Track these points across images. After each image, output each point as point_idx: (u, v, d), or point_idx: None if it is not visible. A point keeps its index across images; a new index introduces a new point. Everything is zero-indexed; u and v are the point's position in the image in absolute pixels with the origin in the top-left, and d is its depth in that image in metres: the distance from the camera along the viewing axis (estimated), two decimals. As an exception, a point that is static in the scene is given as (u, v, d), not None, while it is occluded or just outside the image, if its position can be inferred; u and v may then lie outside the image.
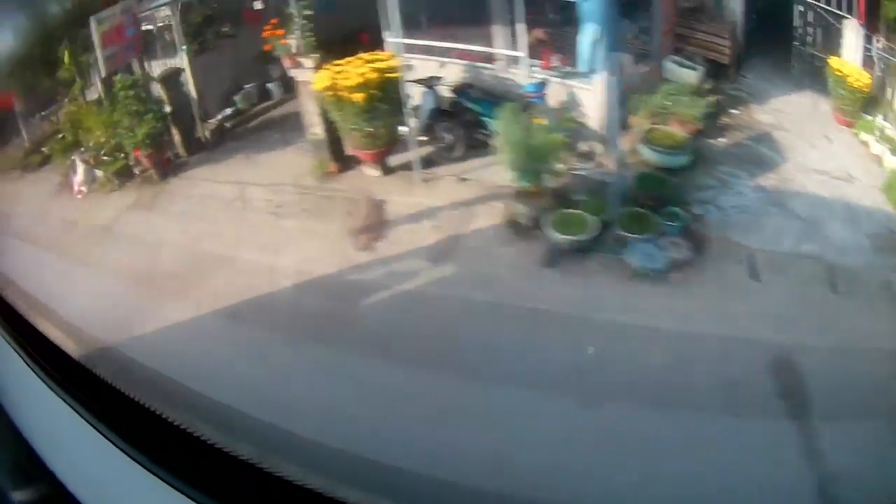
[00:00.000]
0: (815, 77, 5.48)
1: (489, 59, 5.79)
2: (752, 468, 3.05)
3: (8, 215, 6.79)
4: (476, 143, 5.50)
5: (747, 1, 5.86)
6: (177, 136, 7.13)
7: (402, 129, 5.57)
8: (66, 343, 3.58)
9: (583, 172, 5.17)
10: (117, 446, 1.97)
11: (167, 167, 7.00)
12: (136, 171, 7.09)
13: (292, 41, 5.78)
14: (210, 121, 7.36)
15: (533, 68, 5.52)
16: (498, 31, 5.71)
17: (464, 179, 5.37)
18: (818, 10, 5.55)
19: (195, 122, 7.27)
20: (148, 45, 7.42)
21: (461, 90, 5.72)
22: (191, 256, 5.44)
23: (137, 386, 2.22)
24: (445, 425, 3.50)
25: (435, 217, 5.13)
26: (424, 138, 5.67)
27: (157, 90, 7.19)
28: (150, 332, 4.40)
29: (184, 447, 1.97)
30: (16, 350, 2.49)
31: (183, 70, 7.27)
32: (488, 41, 5.78)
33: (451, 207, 5.16)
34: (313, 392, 3.79)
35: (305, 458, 2.72)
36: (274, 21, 5.95)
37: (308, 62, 5.73)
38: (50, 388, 2.28)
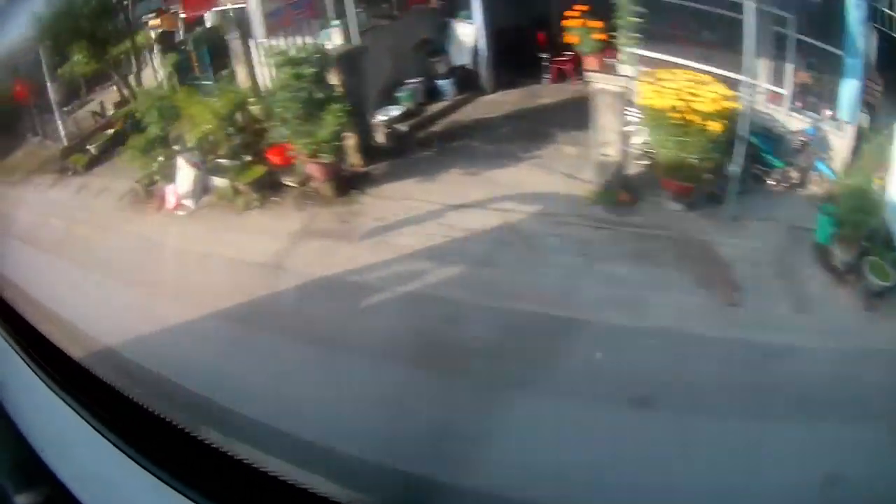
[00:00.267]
0: None
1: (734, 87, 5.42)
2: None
3: (55, 238, 5.05)
4: (756, 179, 5.24)
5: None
6: (350, 139, 5.52)
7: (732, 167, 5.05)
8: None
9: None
10: (119, 448, 1.99)
11: (346, 180, 5.38)
12: (289, 181, 5.41)
13: (618, 38, 4.57)
14: (373, 121, 5.90)
15: (792, 109, 5.42)
16: (761, 64, 5.41)
17: (765, 220, 4.99)
18: None
19: (370, 122, 5.81)
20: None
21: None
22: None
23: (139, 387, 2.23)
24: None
25: (759, 263, 4.72)
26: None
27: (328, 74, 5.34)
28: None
29: (185, 449, 1.99)
30: (17, 351, 2.50)
31: (366, 50, 5.65)
32: (737, 68, 5.34)
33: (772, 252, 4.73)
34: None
35: (306, 460, 2.73)
36: (583, 7, 4.74)
37: (628, 69, 4.71)
38: (52, 390, 2.28)
